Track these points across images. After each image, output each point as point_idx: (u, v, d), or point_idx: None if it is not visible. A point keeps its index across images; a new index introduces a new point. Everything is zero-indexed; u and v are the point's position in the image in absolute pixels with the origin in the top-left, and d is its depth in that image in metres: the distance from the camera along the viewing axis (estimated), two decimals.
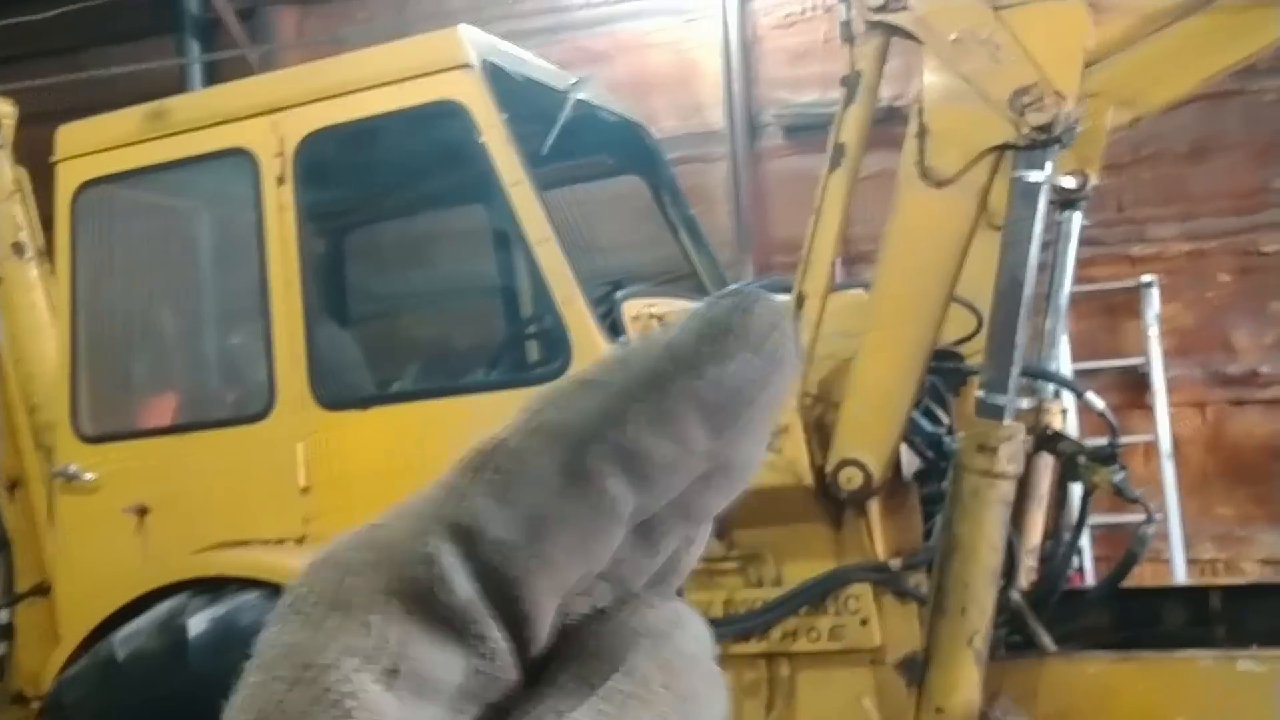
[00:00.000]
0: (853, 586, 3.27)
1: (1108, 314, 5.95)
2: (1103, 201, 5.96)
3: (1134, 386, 5.87)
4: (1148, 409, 5.74)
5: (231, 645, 3.37)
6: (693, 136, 6.54)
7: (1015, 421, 3.01)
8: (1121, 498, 3.19)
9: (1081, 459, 3.20)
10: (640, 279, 4.11)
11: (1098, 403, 3.29)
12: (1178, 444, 5.71)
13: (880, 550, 3.30)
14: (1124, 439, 5.81)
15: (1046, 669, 3.16)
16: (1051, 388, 3.73)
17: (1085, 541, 5.64)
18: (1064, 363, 5.77)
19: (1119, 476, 3.15)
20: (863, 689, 3.26)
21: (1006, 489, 2.99)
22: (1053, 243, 3.81)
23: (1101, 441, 3.39)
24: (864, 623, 3.26)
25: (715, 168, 6.67)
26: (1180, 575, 5.43)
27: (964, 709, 2.99)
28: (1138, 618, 3.92)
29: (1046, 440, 3.30)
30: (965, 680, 2.99)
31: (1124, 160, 5.84)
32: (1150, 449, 5.73)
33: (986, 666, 3.02)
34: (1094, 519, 5.72)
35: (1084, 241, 5.75)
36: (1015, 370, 2.99)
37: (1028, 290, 3.01)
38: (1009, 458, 2.96)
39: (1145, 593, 4.10)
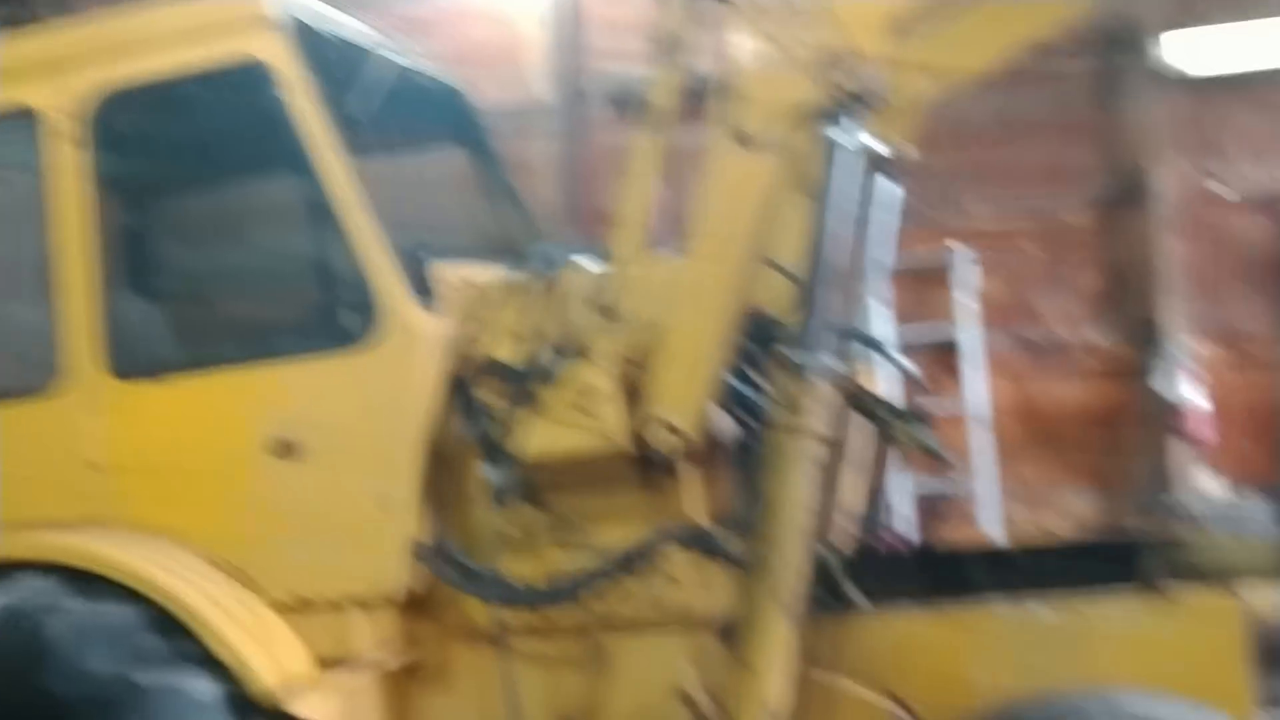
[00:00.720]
0: (670, 551, 3.27)
1: (922, 286, 6.12)
2: (917, 176, 6.14)
3: (949, 356, 6.07)
4: (962, 378, 5.94)
5: (18, 632, 3.16)
6: (517, 109, 6.45)
7: (826, 382, 3.04)
8: (929, 456, 3.27)
9: (890, 419, 3.26)
10: (458, 248, 4.02)
11: (904, 364, 3.36)
12: (990, 412, 5.92)
13: (699, 514, 3.31)
14: (939, 406, 6.05)
15: (856, 625, 3.22)
16: (867, 352, 3.79)
17: (909, 505, 5.83)
18: (885, 331, 5.93)
19: (926, 435, 3.22)
20: (682, 654, 3.26)
21: (816, 448, 3.01)
22: (867, 209, 3.89)
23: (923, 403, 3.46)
24: (681, 587, 3.27)
25: (540, 141, 6.61)
26: (995, 537, 5.63)
27: (778, 668, 3.01)
28: (948, 577, 4.04)
29: (857, 400, 3.35)
30: (778, 639, 3.01)
31: (938, 136, 6.00)
32: (965, 417, 5.93)
33: (800, 626, 3.06)
34: (918, 485, 5.93)
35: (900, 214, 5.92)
36: (825, 330, 3.02)
37: (837, 251, 3.05)
38: (818, 417, 2.99)
39: (954, 553, 4.22)
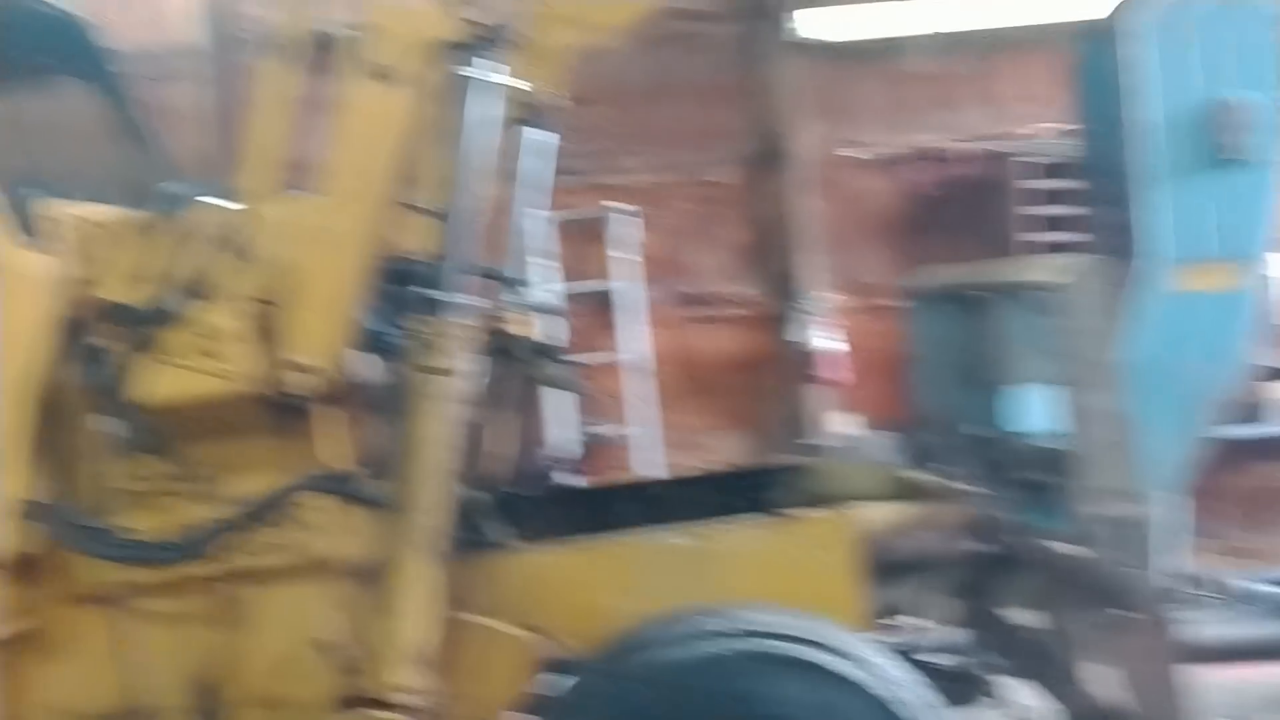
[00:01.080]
0: (312, 497, 3.18)
1: (585, 240, 6.26)
2: (576, 133, 6.24)
3: (610, 308, 6.24)
4: (624, 329, 6.12)
5: None
6: (162, 52, 6.04)
7: (466, 321, 3.03)
8: (569, 391, 3.34)
9: (532, 357, 3.30)
10: (82, 189, 3.71)
11: (549, 300, 3.41)
12: (650, 361, 6.13)
13: (338, 459, 3.23)
14: (604, 356, 6.21)
15: (499, 564, 3.25)
16: (556, 304, 3.82)
17: (576, 445, 5.95)
18: (553, 285, 6.01)
19: (568, 374, 3.29)
20: (323, 603, 3.18)
21: (458, 387, 3.01)
22: (515, 154, 3.91)
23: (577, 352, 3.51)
24: (320, 534, 3.18)
25: (191, 85, 6.23)
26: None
27: (421, 610, 3.00)
28: (596, 514, 4.16)
29: (500, 340, 3.37)
30: (421, 581, 2.99)
31: (594, 95, 6.14)
32: (625, 367, 6.12)
33: (446, 566, 3.06)
34: (584, 427, 6.06)
35: (561, 171, 6.00)
36: (465, 268, 3.01)
37: (474, 188, 3.04)
38: (458, 357, 2.98)
39: (600, 490, 4.36)
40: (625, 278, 6.06)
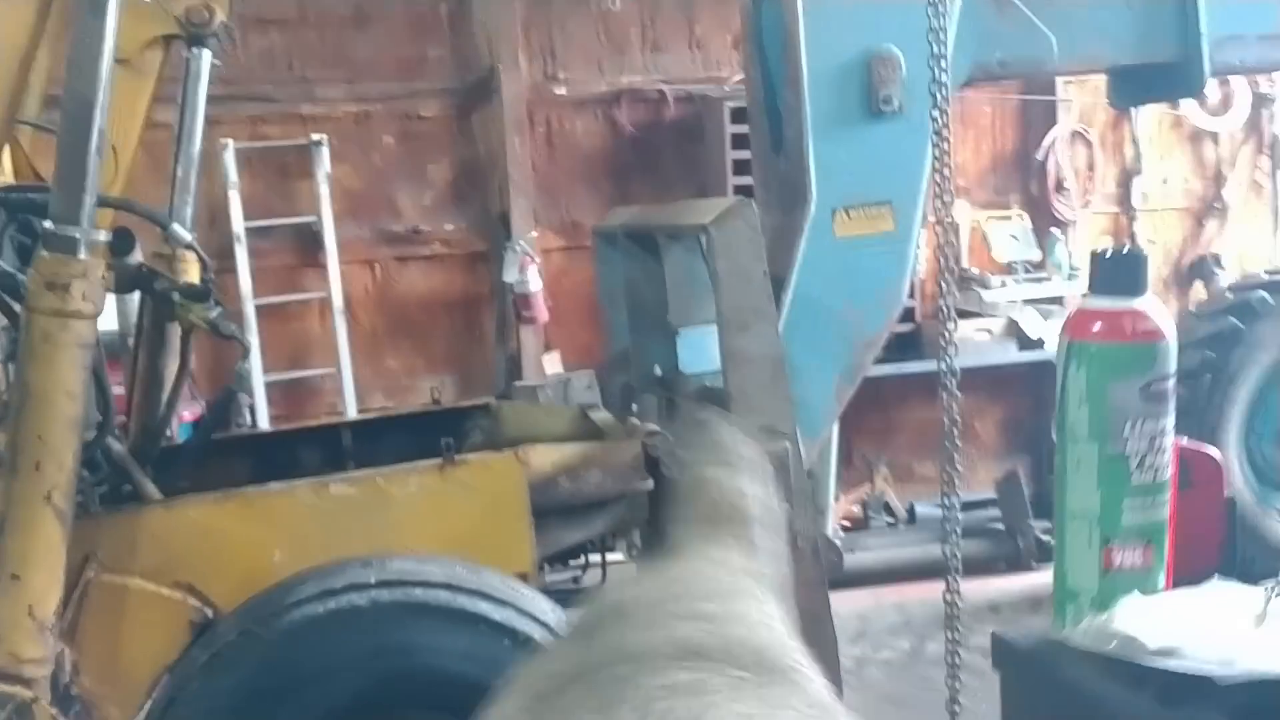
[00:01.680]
0: None
1: (280, 173, 5.94)
2: (273, 60, 5.91)
3: (308, 245, 5.96)
4: (322, 267, 5.86)
5: None
6: None
7: (93, 257, 2.78)
8: (215, 335, 3.12)
9: (176, 297, 3.07)
10: None
11: (184, 235, 3.17)
12: (349, 301, 5.91)
13: None
14: (300, 296, 5.94)
15: (146, 520, 3.03)
16: (190, 239, 3.55)
17: (261, 394, 5.68)
18: (235, 220, 5.68)
19: (214, 313, 3.07)
20: None
21: (84, 330, 2.75)
22: (181, 81, 3.62)
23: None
24: None
25: None
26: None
27: (46, 571, 2.76)
28: (277, 462, 3.98)
29: (139, 279, 3.12)
30: (46, 541, 2.74)
31: (292, 19, 5.81)
32: (325, 306, 5.88)
33: (78, 524, 2.82)
34: (272, 375, 5.79)
35: (256, 98, 5.66)
36: (89, 199, 2.74)
37: (97, 109, 2.76)
38: (85, 295, 2.72)
39: (282, 436, 4.17)
40: (322, 213, 5.79)
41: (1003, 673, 1.26)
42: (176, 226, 3.14)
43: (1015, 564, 5.93)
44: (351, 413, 5.77)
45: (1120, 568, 1.22)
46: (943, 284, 3.04)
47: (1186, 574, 1.26)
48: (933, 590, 5.68)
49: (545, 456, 3.31)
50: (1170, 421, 1.16)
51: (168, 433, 3.43)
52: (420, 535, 3.10)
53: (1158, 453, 1.16)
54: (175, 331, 3.30)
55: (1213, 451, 1.19)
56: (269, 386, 5.71)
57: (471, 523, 3.17)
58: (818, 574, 3.04)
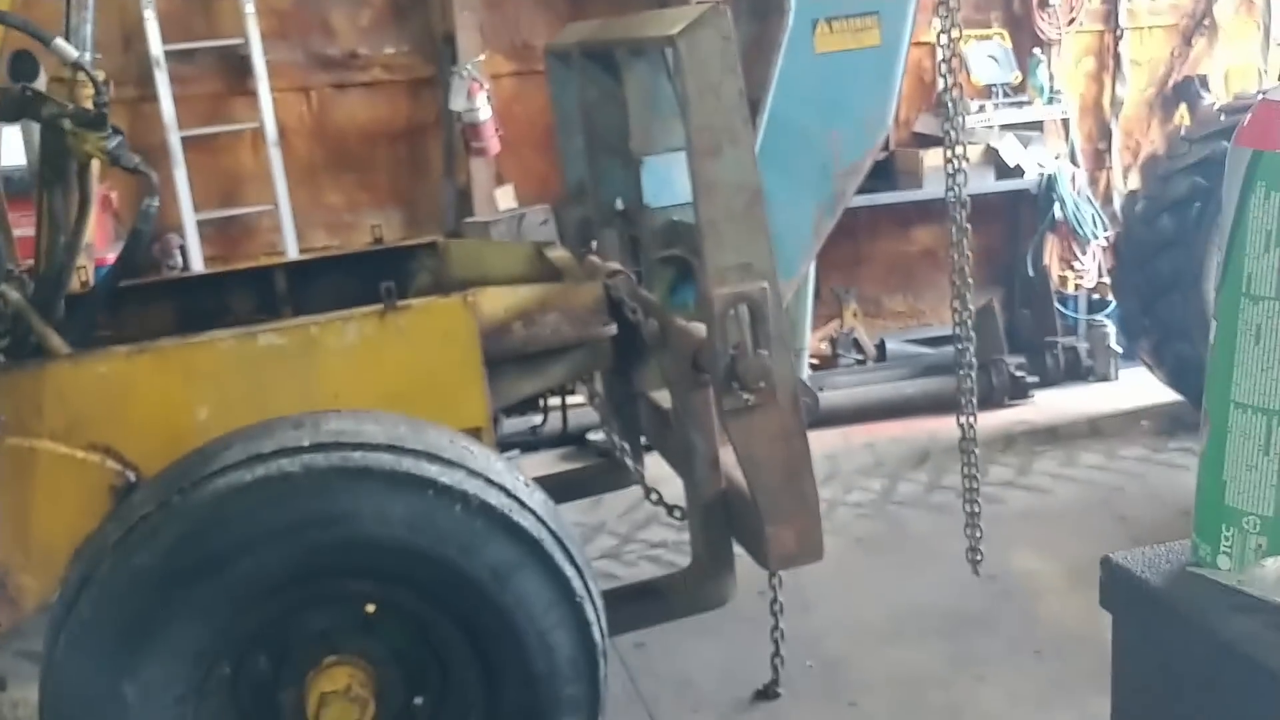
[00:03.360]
0: None
1: None
2: None
3: (236, 71, 5.48)
4: (252, 95, 5.40)
5: None
6: None
7: None
8: (118, 167, 2.75)
9: (68, 125, 2.68)
10: None
11: (70, 51, 2.75)
12: (283, 131, 5.47)
13: None
14: (230, 127, 5.49)
15: (50, 376, 2.72)
16: (78, 55, 3.12)
17: (193, 233, 5.30)
18: (153, 43, 5.19)
19: (114, 143, 2.69)
20: None
21: None
22: None
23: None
24: None
25: None
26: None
27: None
28: (204, 309, 3.66)
29: (24, 104, 2.73)
30: None
31: None
32: (257, 137, 5.44)
33: None
34: (204, 213, 5.40)
35: None
36: None
37: None
38: None
39: (209, 280, 3.84)
40: (249, 35, 5.28)
41: (1119, 618, 0.95)
42: (60, 41, 2.73)
43: (987, 400, 5.75)
44: (292, 252, 5.40)
45: None
46: (950, 103, 2.73)
47: None
48: (903, 429, 5.57)
49: (498, 300, 3.01)
50: None
51: (74, 279, 3.07)
52: (360, 390, 2.83)
53: None
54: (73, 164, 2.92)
55: None
56: (201, 225, 5.32)
57: (417, 375, 2.89)
58: (796, 423, 2.80)
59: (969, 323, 3.54)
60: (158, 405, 2.77)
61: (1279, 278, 0.83)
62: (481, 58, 5.60)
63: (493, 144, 5.61)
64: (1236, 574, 0.88)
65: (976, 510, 3.62)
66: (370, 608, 2.53)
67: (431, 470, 2.38)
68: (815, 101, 3.21)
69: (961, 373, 3.62)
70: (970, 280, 3.47)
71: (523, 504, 2.46)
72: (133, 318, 3.60)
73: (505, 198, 5.77)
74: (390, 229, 5.79)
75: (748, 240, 2.68)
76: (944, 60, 3.16)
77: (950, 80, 2.81)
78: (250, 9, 5.32)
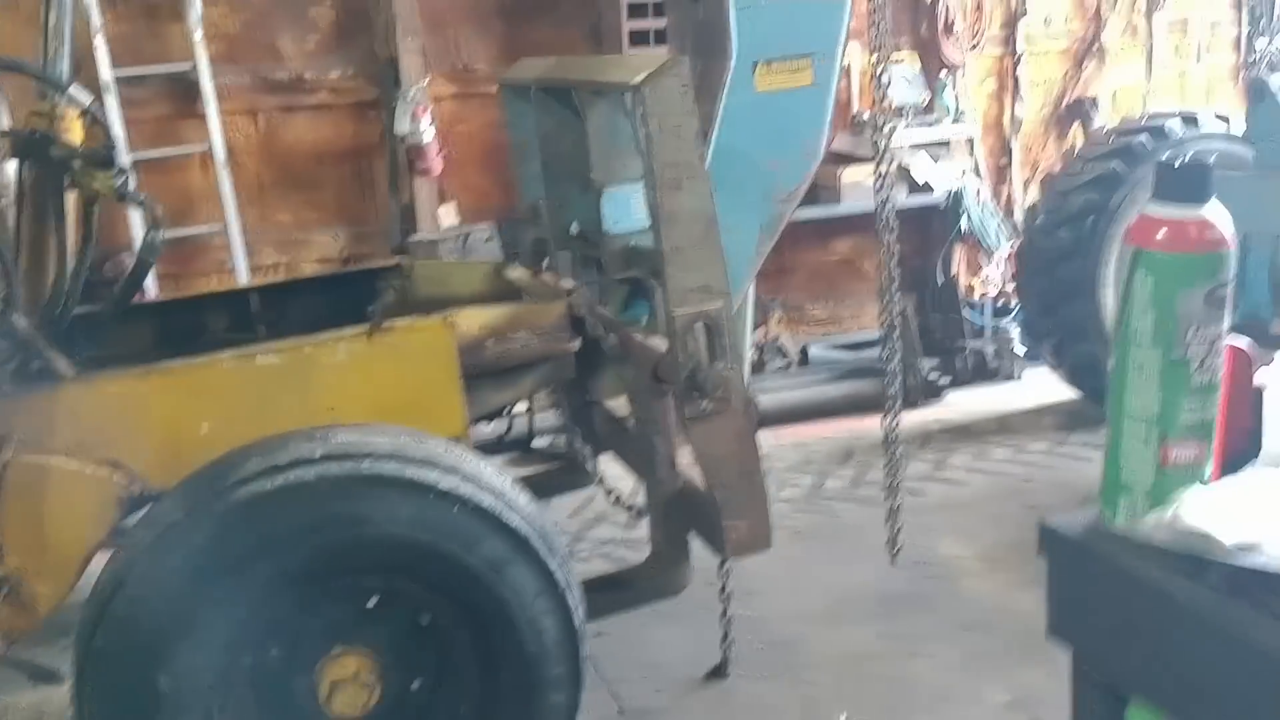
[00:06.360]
0: None
1: (149, 17, 5.56)
2: None
3: (185, 95, 5.64)
4: (201, 118, 5.57)
5: None
6: None
7: None
8: (125, 203, 2.98)
9: (77, 164, 2.90)
10: None
11: (84, 98, 2.97)
12: (232, 153, 5.65)
13: None
14: (180, 149, 5.65)
15: (61, 396, 2.93)
16: (68, 96, 3.33)
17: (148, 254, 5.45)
18: (103, 68, 5.33)
19: (120, 180, 2.92)
20: None
21: None
22: None
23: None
24: None
25: None
26: (242, 282, 5.49)
27: None
28: (182, 329, 3.86)
29: (33, 145, 2.93)
30: None
31: None
32: (207, 159, 5.61)
33: None
34: (168, 231, 5.54)
35: None
36: None
37: None
38: None
39: (186, 302, 4.04)
40: (197, 59, 5.45)
41: (1051, 562, 1.33)
42: (77, 89, 2.94)
43: (904, 401, 6.15)
44: (241, 269, 5.59)
45: (1175, 463, 1.28)
46: (881, 124, 3.11)
47: (1224, 464, 1.34)
48: (829, 429, 5.95)
49: (473, 320, 3.28)
50: (1226, 325, 1.21)
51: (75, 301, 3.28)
52: (350, 403, 3.08)
53: (1215, 355, 1.22)
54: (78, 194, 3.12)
55: (1243, 343, 1.25)
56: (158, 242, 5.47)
57: (402, 389, 3.15)
58: (749, 427, 3.13)
59: (896, 332, 3.89)
60: (164, 421, 2.99)
61: (1152, 333, 1.21)
62: (425, 82, 5.84)
63: (436, 164, 5.85)
64: (1129, 527, 1.28)
65: (897, 505, 4.00)
66: (372, 601, 2.80)
67: (432, 476, 2.65)
68: (757, 134, 3.55)
69: (886, 378, 3.98)
70: (898, 292, 3.82)
71: (511, 505, 2.74)
72: (112, 338, 3.79)
73: (448, 215, 6.01)
74: (337, 246, 6.02)
75: (706, 263, 3.00)
76: (878, 94, 3.52)
77: (883, 120, 3.16)
78: (199, 35, 5.49)
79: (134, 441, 2.97)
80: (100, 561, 2.87)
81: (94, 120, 2.94)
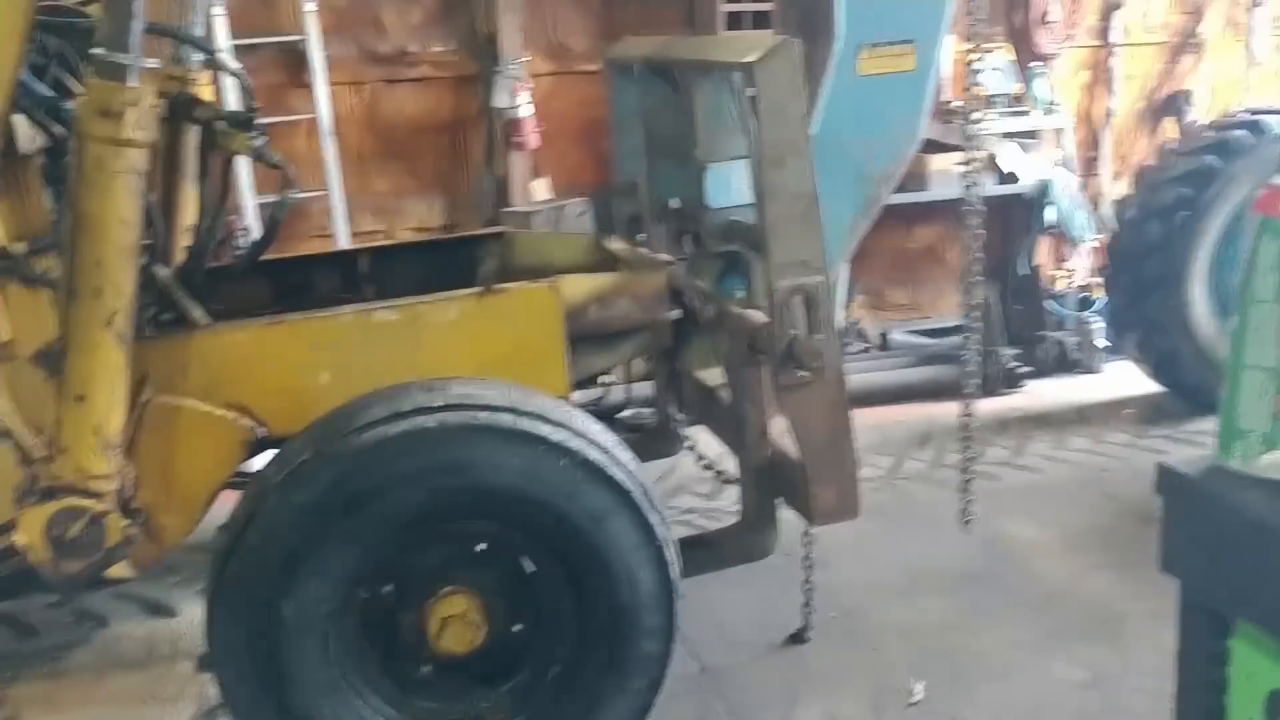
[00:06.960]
0: None
1: None
2: None
3: (294, 65, 5.85)
4: (308, 87, 5.78)
5: None
6: None
7: (143, 84, 2.79)
8: (262, 163, 3.16)
9: (220, 125, 3.08)
10: None
11: (232, 64, 3.16)
12: (337, 122, 5.85)
13: (9, 236, 2.96)
14: (287, 117, 5.87)
15: (195, 343, 3.13)
16: (198, 57, 3.53)
17: (253, 216, 5.68)
18: (220, 37, 5.55)
19: (259, 142, 3.10)
20: (9, 388, 2.98)
21: (136, 157, 2.79)
22: None
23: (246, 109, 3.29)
24: None
25: None
26: (344, 246, 5.69)
27: (109, 393, 2.86)
28: (293, 285, 4.05)
29: (183, 106, 3.12)
30: (107, 364, 2.84)
31: None
32: (312, 127, 5.82)
33: (133, 347, 2.91)
34: (264, 196, 5.77)
35: None
36: (137, 25, 2.73)
37: None
38: (136, 123, 2.75)
39: (299, 261, 4.23)
40: (308, 31, 5.66)
41: (1167, 499, 1.45)
42: (224, 57, 3.13)
43: (983, 389, 6.21)
44: (342, 234, 5.80)
45: None
46: (971, 113, 3.20)
47: None
48: (907, 413, 6.03)
49: (578, 286, 3.43)
50: None
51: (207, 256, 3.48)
52: (460, 360, 3.24)
53: None
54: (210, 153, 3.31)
55: None
56: (259, 209, 5.70)
57: (510, 348, 3.31)
58: (841, 397, 3.23)
59: (977, 315, 3.96)
60: (286, 370, 3.18)
61: (1273, 293, 1.33)
62: (525, 58, 5.99)
63: (532, 139, 6.01)
64: (1245, 464, 1.42)
65: (970, 476, 4.05)
66: (480, 546, 2.96)
67: (543, 429, 2.80)
68: (857, 117, 3.64)
69: (966, 358, 4.04)
70: (980, 278, 3.89)
71: (616, 460, 2.89)
72: (229, 292, 4.00)
73: (541, 189, 6.17)
74: (432, 215, 6.21)
75: (805, 239, 3.11)
76: (969, 82, 3.60)
77: (972, 108, 3.24)
78: (310, 6, 5.69)
79: (259, 388, 3.17)
80: (223, 502, 3.08)
81: (243, 84, 3.12)
